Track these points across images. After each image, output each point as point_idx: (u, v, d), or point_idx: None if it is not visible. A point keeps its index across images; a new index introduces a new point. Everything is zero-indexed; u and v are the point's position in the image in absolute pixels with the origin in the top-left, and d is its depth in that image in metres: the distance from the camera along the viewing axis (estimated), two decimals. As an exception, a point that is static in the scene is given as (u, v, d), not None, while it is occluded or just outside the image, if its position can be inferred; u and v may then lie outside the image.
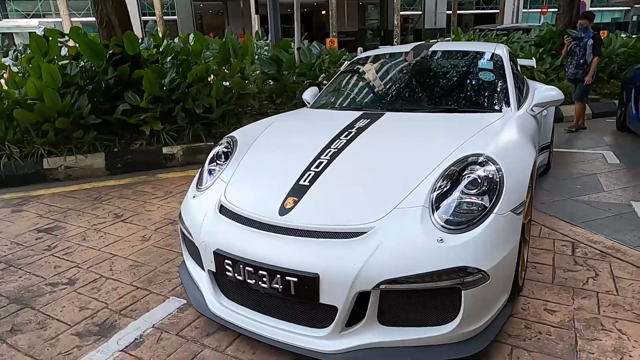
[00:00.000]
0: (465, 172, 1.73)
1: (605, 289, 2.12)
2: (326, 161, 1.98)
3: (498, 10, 33.47)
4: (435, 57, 2.99)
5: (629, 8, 34.72)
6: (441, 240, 1.54)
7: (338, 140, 2.15)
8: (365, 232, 1.59)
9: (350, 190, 1.82)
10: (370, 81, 3.04)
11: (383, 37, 32.24)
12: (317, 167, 1.96)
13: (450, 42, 4.18)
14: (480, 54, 2.87)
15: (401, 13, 29.01)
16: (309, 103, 3.37)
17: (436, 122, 2.33)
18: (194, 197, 2.17)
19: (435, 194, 1.68)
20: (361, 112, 2.52)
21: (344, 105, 2.89)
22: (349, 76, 3.19)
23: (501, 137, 2.02)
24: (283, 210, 1.76)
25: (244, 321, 1.77)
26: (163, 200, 3.73)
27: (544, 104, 2.56)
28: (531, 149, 2.12)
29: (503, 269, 1.62)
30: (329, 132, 2.27)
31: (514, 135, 2.09)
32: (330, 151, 2.06)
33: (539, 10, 33.24)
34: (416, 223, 1.60)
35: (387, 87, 2.90)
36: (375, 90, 2.93)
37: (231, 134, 2.51)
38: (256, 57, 5.84)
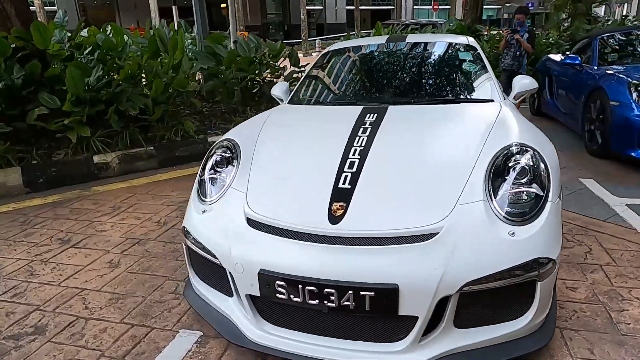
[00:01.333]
0: (510, 163, 1.72)
1: (604, 261, 2.30)
2: (357, 161, 1.84)
3: (394, 7, 35.49)
4: (418, 49, 2.99)
5: (500, 7, 39.25)
6: (512, 233, 1.51)
7: (358, 137, 2.01)
8: (437, 233, 1.49)
9: (399, 190, 1.70)
10: (356, 74, 2.92)
11: (287, 31, 32.23)
12: (350, 167, 1.80)
13: (421, 35, 4.22)
14: (459, 45, 2.93)
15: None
16: (282, 99, 3.16)
17: (443, 114, 2.30)
18: (203, 211, 1.88)
19: (491, 186, 1.64)
20: (361, 107, 2.40)
21: (335, 100, 2.74)
22: (327, 70, 3.04)
23: (518, 125, 2.06)
24: (333, 218, 1.58)
25: (296, 346, 1.56)
26: (114, 218, 3.23)
27: (523, 93, 2.69)
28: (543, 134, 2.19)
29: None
30: (341, 130, 2.12)
31: (525, 123, 2.15)
32: (355, 150, 1.91)
33: (430, 7, 35.97)
34: (484, 218, 1.55)
35: (378, 79, 2.81)
36: (366, 83, 2.83)
37: (227, 137, 2.22)
38: (189, 52, 5.35)
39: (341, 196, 1.66)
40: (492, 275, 1.43)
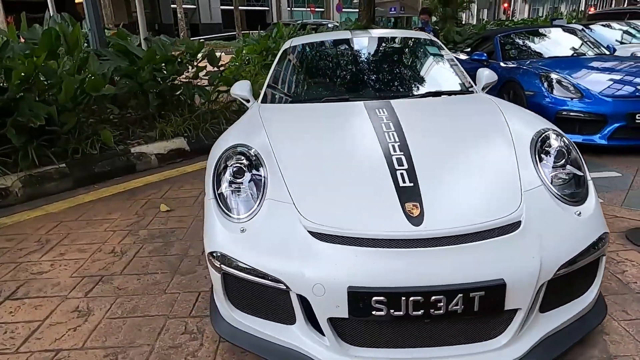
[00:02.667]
0: (545, 147, 1.80)
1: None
2: (402, 157, 1.74)
3: (268, 8, 35.56)
4: (390, 44, 2.97)
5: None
6: (579, 213, 1.58)
7: (385, 133, 1.91)
8: (520, 222, 1.48)
9: (460, 183, 1.65)
10: (338, 69, 2.79)
11: (158, 31, 29.90)
12: (399, 164, 1.70)
13: (382, 30, 4.18)
14: (426, 40, 2.99)
15: (173, 6, 27.51)
16: (248, 99, 2.89)
17: (447, 105, 2.32)
18: (242, 230, 1.58)
19: (542, 171, 1.69)
20: (362, 103, 2.29)
21: (324, 97, 2.56)
22: (300, 66, 2.85)
23: (524, 112, 2.18)
24: (412, 219, 1.47)
25: None
26: (49, 254, 2.59)
27: (489, 84, 2.88)
28: None
29: None
30: (361, 127, 2.01)
31: (524, 109, 2.28)
32: (393, 146, 1.81)
33: (303, 9, 36.91)
34: (551, 203, 1.58)
35: (363, 74, 2.72)
36: (352, 78, 2.72)
37: (238, 143, 1.91)
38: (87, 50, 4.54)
39: (409, 195, 1.55)
40: (576, 257, 1.47)
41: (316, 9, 29.50)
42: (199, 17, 31.61)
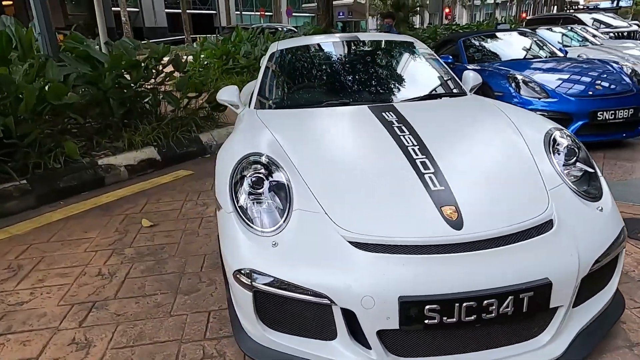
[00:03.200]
0: (557, 145, 1.86)
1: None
2: (426, 160, 1.72)
3: (216, 11, 34.85)
4: (382, 47, 2.96)
5: (314, 15, 42.76)
6: (601, 209, 1.63)
7: (401, 137, 1.89)
8: (552, 220, 1.51)
9: (489, 185, 1.66)
10: (333, 73, 2.73)
11: (99, 34, 28.30)
12: (425, 168, 1.68)
13: (369, 34, 4.16)
14: (413, 44, 3.02)
15: (115, 9, 26.22)
16: (236, 105, 2.77)
17: (451, 107, 2.34)
18: (274, 244, 1.49)
19: (560, 170, 1.74)
20: (366, 107, 2.26)
21: (322, 101, 2.49)
22: (293, 70, 2.77)
23: (525, 112, 2.24)
24: (453, 223, 1.45)
25: None
26: (26, 282, 2.33)
27: (475, 86, 2.95)
28: None
29: None
30: (374, 131, 1.99)
31: (523, 110, 2.35)
32: (413, 149, 1.79)
33: (252, 12, 36.53)
34: (575, 200, 1.63)
35: (359, 78, 2.68)
36: (349, 82, 2.67)
37: (255, 152, 1.80)
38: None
39: (444, 199, 1.54)
40: (606, 251, 1.52)
41: (265, 13, 29.30)
42: (143, 20, 30.36)
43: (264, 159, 1.75)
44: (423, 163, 1.71)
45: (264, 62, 2.93)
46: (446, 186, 1.59)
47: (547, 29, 8.95)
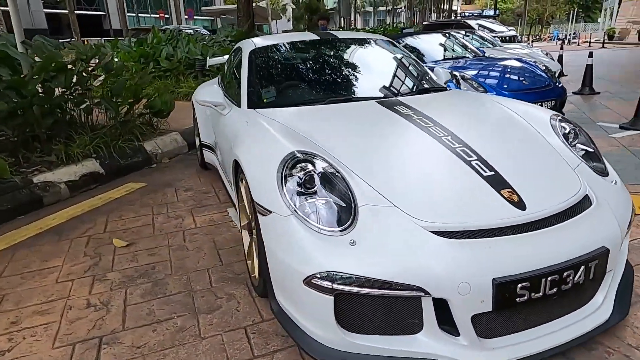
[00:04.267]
0: (561, 129, 2.05)
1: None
2: (465, 148, 1.79)
3: (105, 13, 31.97)
4: (365, 45, 2.97)
5: (213, 18, 41.56)
6: (615, 182, 1.84)
7: (430, 128, 1.94)
8: (589, 195, 1.66)
9: (527, 167, 1.76)
10: (326, 70, 2.66)
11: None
12: (469, 155, 1.75)
13: (344, 32, 4.03)
14: (391, 42, 3.09)
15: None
16: (221, 104, 2.60)
17: (452, 99, 2.44)
18: (352, 242, 1.42)
19: (572, 150, 1.92)
20: (374, 102, 2.27)
21: (326, 97, 2.43)
22: (288, 67, 2.66)
23: (512, 102, 2.43)
24: (517, 205, 1.53)
25: (523, 348, 1.45)
26: (6, 334, 1.92)
27: (445, 82, 3.12)
28: None
29: None
30: (400, 124, 2.01)
31: (507, 99, 2.54)
32: (448, 139, 1.85)
33: (148, 15, 34.26)
34: (594, 176, 1.81)
35: (352, 74, 2.65)
36: (344, 78, 2.62)
37: (300, 150, 1.69)
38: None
39: (498, 183, 1.61)
40: (631, 219, 1.72)
41: (165, 15, 27.74)
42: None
43: (309, 157, 1.66)
44: (463, 151, 1.77)
45: (242, 60, 2.76)
46: (495, 171, 1.67)
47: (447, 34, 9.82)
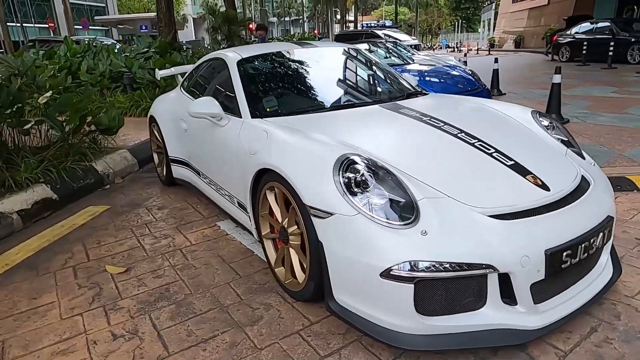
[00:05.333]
0: (542, 122, 2.39)
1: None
2: (481, 142, 2.02)
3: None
4: (347, 54, 3.09)
5: (108, 28, 38.76)
6: (594, 164, 2.20)
7: (442, 127, 2.15)
8: (584, 176, 1.98)
9: (535, 154, 2.02)
10: (321, 79, 2.72)
11: None
12: (487, 149, 1.98)
13: (322, 42, 3.99)
14: (365, 51, 3.27)
15: None
16: (217, 115, 2.56)
17: (441, 101, 2.67)
18: (424, 232, 1.55)
19: (556, 139, 2.26)
20: (377, 106, 2.43)
21: (330, 105, 2.51)
22: (284, 77, 2.67)
23: (491, 101, 2.75)
24: (543, 187, 1.78)
25: (568, 304, 1.69)
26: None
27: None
28: None
29: None
30: (415, 125, 2.19)
31: (482, 99, 2.86)
32: (461, 135, 2.07)
33: (30, 25, 30.65)
34: (581, 160, 2.15)
35: (346, 82, 2.75)
36: (339, 86, 2.72)
37: (346, 154, 1.76)
38: None
39: (522, 170, 1.86)
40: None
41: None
42: None
43: (360, 158, 1.75)
44: (481, 145, 2.00)
45: (231, 71, 2.73)
46: (514, 160, 1.91)
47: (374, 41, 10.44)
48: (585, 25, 14.37)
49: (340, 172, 1.70)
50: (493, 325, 1.60)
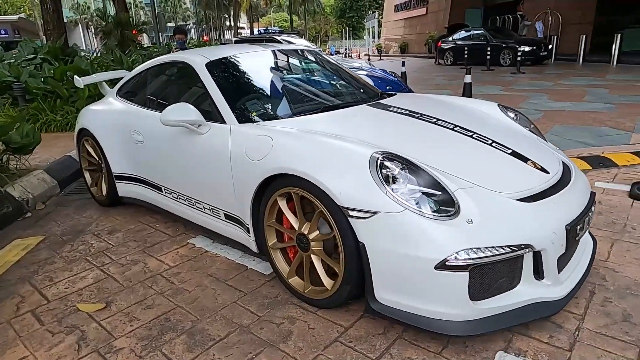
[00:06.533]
0: (509, 114, 2.63)
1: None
2: (476, 135, 2.16)
3: None
4: (311, 56, 3.02)
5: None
6: (559, 149, 2.49)
7: (436, 122, 2.25)
8: (563, 161, 2.23)
9: (523, 144, 2.18)
10: (301, 81, 2.61)
11: None
12: (485, 140, 2.12)
13: (282, 45, 3.65)
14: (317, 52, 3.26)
15: None
16: (197, 123, 2.36)
17: (415, 100, 2.77)
18: (469, 221, 1.61)
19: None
20: (365, 105, 2.46)
21: (319, 107, 2.43)
22: (259, 79, 2.50)
23: (456, 98, 2.93)
24: (545, 171, 1.97)
25: (575, 275, 1.89)
26: None
27: None
28: None
29: None
30: (411, 123, 2.26)
31: (453, 97, 3.04)
32: (457, 128, 2.19)
33: None
34: (551, 146, 2.42)
35: (327, 84, 2.68)
36: (319, 88, 2.65)
37: (382, 152, 1.74)
38: None
39: (522, 158, 2.03)
40: None
41: None
42: None
43: (390, 156, 1.75)
44: (479, 137, 2.14)
45: (201, 75, 2.51)
46: (510, 149, 2.08)
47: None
48: (462, 33, 16.20)
49: (378, 169, 1.69)
50: (528, 300, 1.72)
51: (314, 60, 3.08)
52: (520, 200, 1.75)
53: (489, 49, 13.02)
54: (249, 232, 2.25)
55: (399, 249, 1.61)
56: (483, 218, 1.64)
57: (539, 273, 1.75)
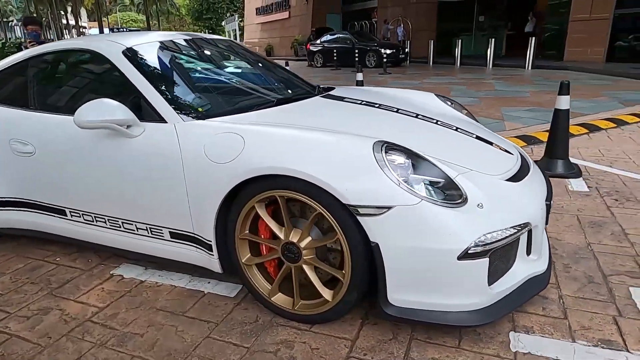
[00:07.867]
0: (447, 102, 2.72)
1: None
2: (440, 122, 2.17)
3: None
4: (239, 48, 2.64)
5: None
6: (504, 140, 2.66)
7: (398, 112, 2.20)
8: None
9: (476, 128, 2.25)
10: (242, 73, 2.22)
11: None
12: (449, 127, 2.14)
13: (209, 35, 2.84)
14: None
15: None
16: (130, 122, 1.91)
17: (364, 93, 2.63)
18: (480, 206, 1.57)
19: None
20: (319, 97, 2.28)
21: (274, 100, 2.13)
22: (202, 70, 2.08)
23: (397, 90, 2.92)
24: (509, 153, 2.05)
25: (546, 248, 2.00)
26: None
27: None
28: None
29: None
30: (373, 113, 2.17)
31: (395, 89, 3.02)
32: (420, 117, 2.18)
33: None
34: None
35: (271, 76, 2.34)
36: (271, 80, 2.32)
37: (387, 142, 1.57)
38: None
39: (486, 141, 2.10)
40: None
41: None
42: None
43: (391, 145, 1.62)
44: (443, 124, 2.15)
45: (119, 65, 2.02)
46: (476, 135, 2.13)
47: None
48: (328, 36, 16.95)
49: (386, 163, 1.53)
50: (523, 278, 1.75)
51: (245, 51, 2.77)
52: (508, 180, 1.79)
53: (356, 51, 13.85)
54: (210, 251, 1.88)
55: (419, 243, 1.49)
56: (489, 201, 1.62)
57: (528, 250, 1.81)
